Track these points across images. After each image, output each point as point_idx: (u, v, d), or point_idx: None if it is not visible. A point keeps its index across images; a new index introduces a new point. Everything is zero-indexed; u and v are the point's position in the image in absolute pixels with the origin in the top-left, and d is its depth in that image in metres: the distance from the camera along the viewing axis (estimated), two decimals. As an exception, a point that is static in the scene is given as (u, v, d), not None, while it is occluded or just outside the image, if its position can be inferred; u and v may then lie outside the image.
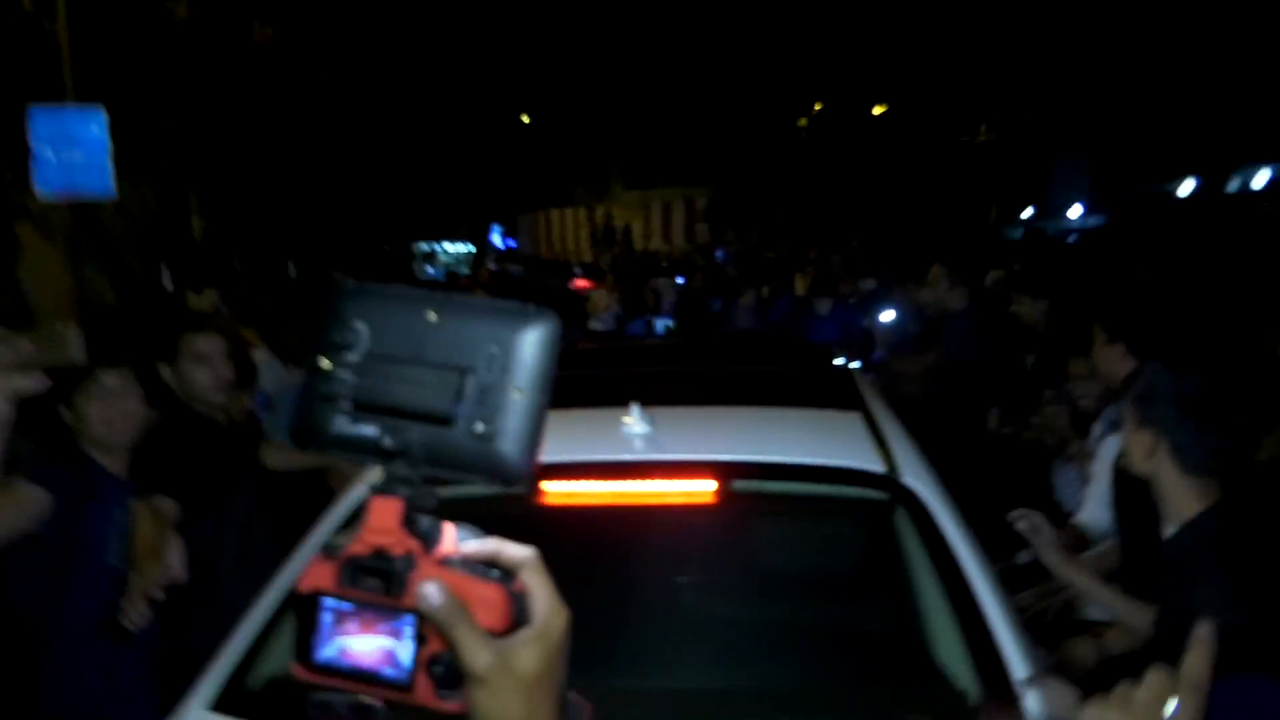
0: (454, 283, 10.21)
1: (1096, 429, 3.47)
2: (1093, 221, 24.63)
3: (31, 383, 1.78)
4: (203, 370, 2.92)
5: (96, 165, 8.95)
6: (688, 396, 2.37)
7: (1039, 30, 23.86)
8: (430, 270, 23.23)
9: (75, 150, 8.91)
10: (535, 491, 1.89)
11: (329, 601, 0.62)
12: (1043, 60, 24.48)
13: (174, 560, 2.48)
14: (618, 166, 33.10)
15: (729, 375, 3.19)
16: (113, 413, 2.54)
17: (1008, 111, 27.61)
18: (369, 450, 0.66)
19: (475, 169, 27.15)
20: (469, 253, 26.85)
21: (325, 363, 0.66)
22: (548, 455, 2.02)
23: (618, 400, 2.39)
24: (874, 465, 2.08)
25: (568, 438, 2.17)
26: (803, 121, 27.41)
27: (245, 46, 10.71)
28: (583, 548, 2.05)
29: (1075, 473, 3.54)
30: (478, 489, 1.90)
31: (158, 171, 11.44)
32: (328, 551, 0.64)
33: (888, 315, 6.49)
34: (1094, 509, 3.11)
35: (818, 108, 26.91)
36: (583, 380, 2.95)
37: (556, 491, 2.01)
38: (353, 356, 0.66)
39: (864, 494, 2.11)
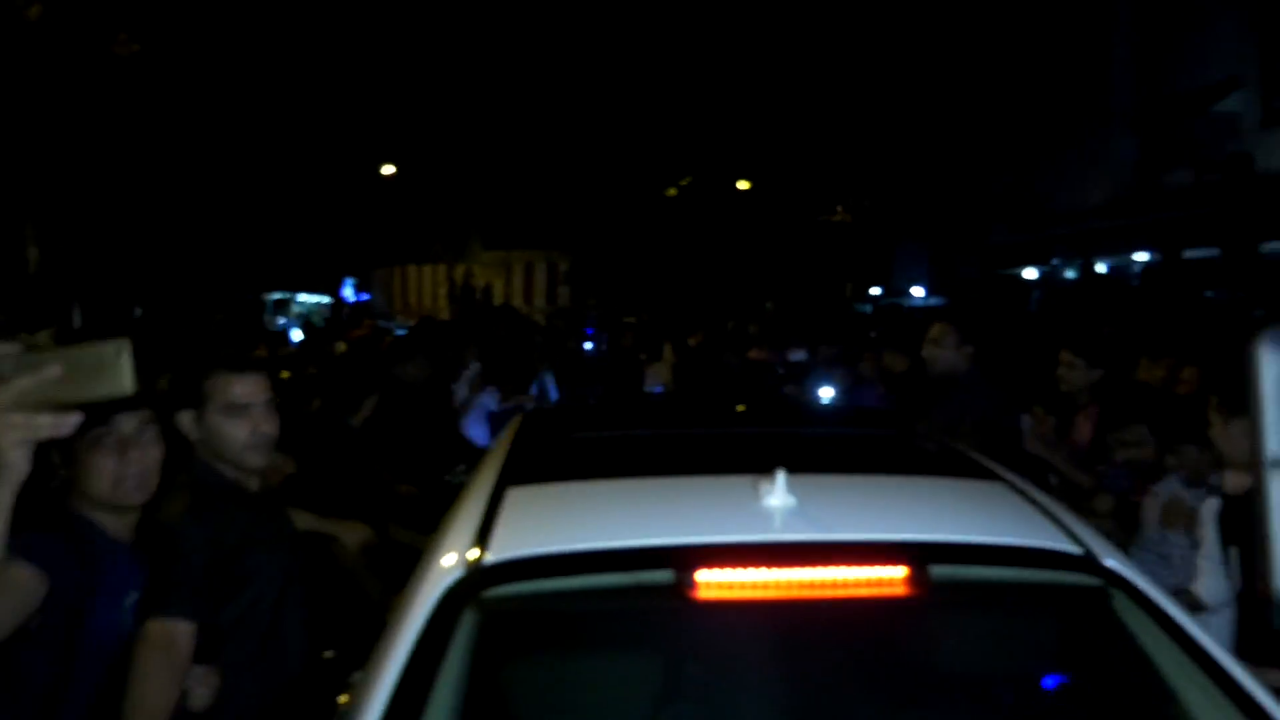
0: (319, 338, 9.38)
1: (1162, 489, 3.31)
2: (934, 301, 26.33)
3: (58, 423, 1.32)
4: (239, 423, 2.26)
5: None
6: (796, 464, 1.96)
7: (884, 120, 25.55)
8: (281, 321, 21.76)
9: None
10: (686, 583, 1.62)
11: None
12: (885, 148, 26.21)
13: (197, 688, 1.96)
14: (478, 225, 32.62)
15: (820, 440, 2.77)
16: (125, 468, 2.01)
17: (858, 195, 29.34)
18: None
19: (333, 219, 25.92)
20: (322, 304, 25.46)
21: None
22: (691, 535, 1.74)
23: (725, 467, 2.09)
24: (1069, 545, 1.82)
25: (705, 512, 1.89)
26: (672, 191, 28.00)
27: (103, 58, 9.61)
28: (740, 649, 1.79)
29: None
30: (621, 579, 1.58)
31: (-11, 192, 10.10)
32: None
33: (827, 392, 6.25)
34: (1211, 580, 2.95)
35: (685, 181, 27.60)
36: (667, 441, 2.62)
37: (709, 582, 1.64)
38: None
39: (1068, 579, 1.82)
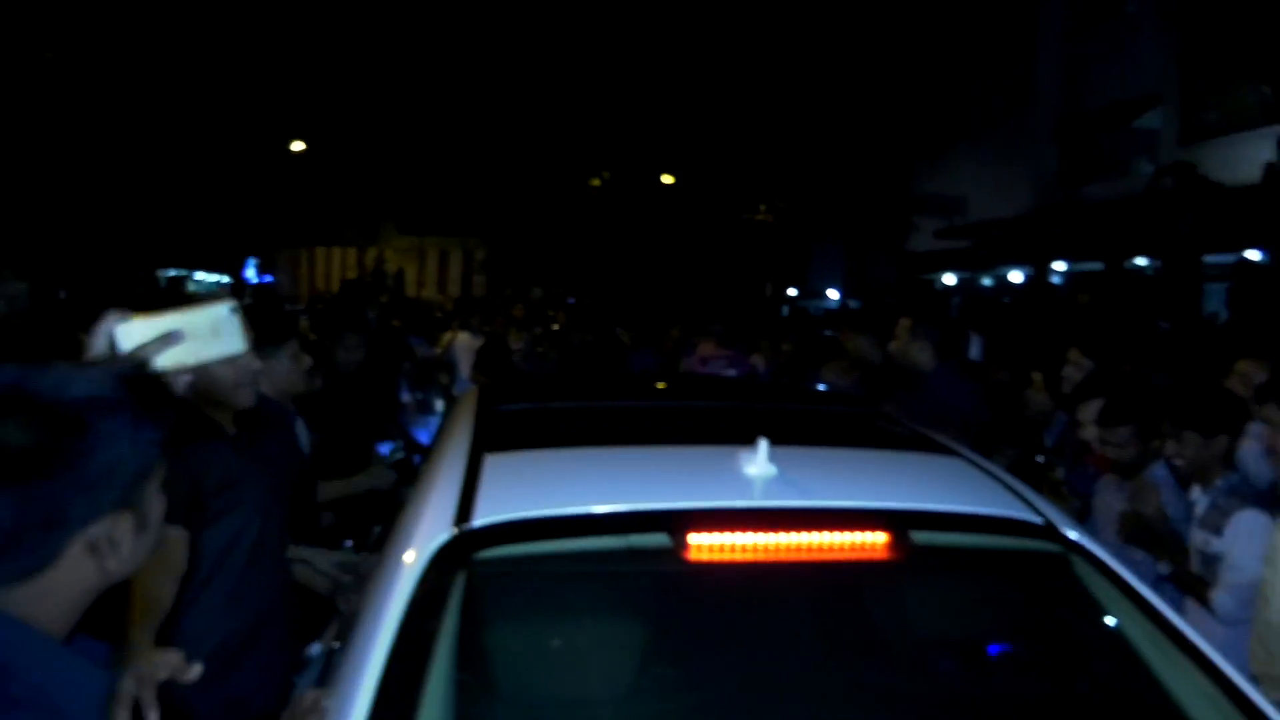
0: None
1: (1198, 498, 3.10)
2: (851, 304, 26.52)
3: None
4: (229, 361, 2.19)
5: None
6: (769, 435, 1.95)
7: (805, 118, 25.63)
8: (177, 301, 20.45)
9: None
10: (681, 546, 1.70)
11: None
12: (804, 147, 26.31)
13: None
14: (393, 209, 31.49)
15: (790, 414, 2.82)
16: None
17: (778, 195, 29.43)
18: None
19: (238, 194, 24.56)
20: (221, 284, 24.11)
21: None
22: (685, 499, 1.84)
23: (702, 438, 2.20)
24: (1031, 515, 1.94)
25: (696, 480, 1.95)
26: (595, 181, 27.54)
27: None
28: (728, 609, 1.87)
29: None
30: (614, 542, 1.81)
31: None
32: None
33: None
34: (1229, 601, 2.76)
35: (607, 174, 27.21)
36: (638, 412, 2.67)
37: (701, 545, 1.71)
38: None
39: (1032, 546, 1.95)
